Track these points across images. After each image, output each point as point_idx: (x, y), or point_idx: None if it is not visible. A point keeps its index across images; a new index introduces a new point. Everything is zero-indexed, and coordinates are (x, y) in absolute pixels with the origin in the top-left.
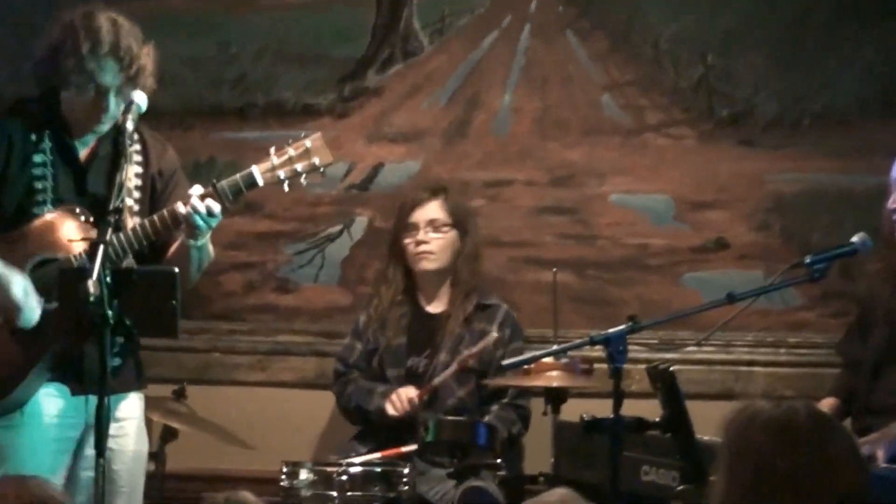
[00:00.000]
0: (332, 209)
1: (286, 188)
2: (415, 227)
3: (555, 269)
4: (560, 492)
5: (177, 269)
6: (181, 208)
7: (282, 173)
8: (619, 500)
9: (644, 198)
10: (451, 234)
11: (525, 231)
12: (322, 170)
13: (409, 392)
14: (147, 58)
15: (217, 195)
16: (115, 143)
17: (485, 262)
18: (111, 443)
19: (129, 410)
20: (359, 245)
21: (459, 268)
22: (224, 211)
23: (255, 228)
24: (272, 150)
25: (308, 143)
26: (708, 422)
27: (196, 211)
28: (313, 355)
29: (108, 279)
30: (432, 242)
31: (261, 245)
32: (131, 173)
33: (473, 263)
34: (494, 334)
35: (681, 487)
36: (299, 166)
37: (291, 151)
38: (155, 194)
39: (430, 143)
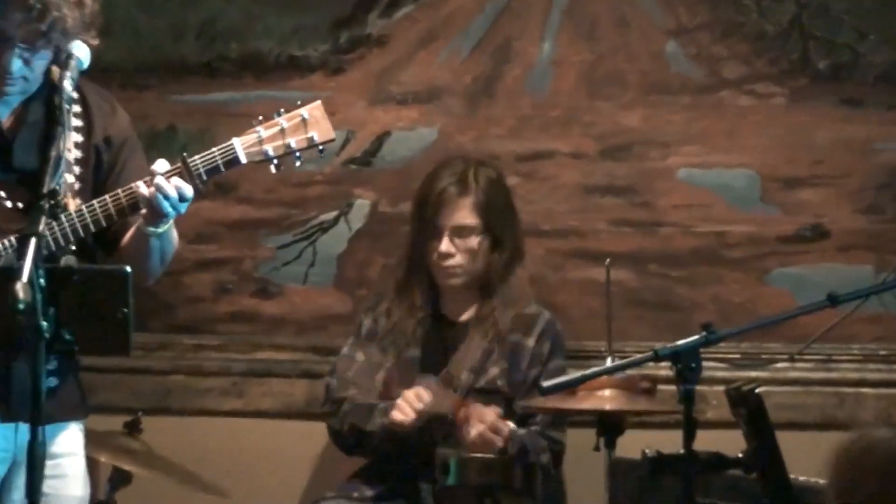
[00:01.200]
0: (326, 190)
1: (274, 168)
2: (438, 233)
3: (608, 264)
4: None
5: (129, 269)
6: (143, 189)
7: (270, 149)
8: None
9: (721, 173)
10: (482, 241)
11: (570, 216)
12: (321, 148)
13: (416, 390)
14: (75, 5)
15: (188, 173)
16: (48, 107)
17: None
18: (46, 486)
19: (70, 445)
20: (359, 236)
21: (492, 279)
22: (196, 193)
23: (227, 216)
24: (258, 120)
25: (305, 112)
26: (804, 457)
27: (163, 193)
28: (302, 377)
29: (43, 281)
30: (459, 255)
31: (235, 237)
32: (70, 143)
33: (508, 273)
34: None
35: None
36: (293, 141)
37: (283, 123)
38: (101, 168)
39: (448, 105)
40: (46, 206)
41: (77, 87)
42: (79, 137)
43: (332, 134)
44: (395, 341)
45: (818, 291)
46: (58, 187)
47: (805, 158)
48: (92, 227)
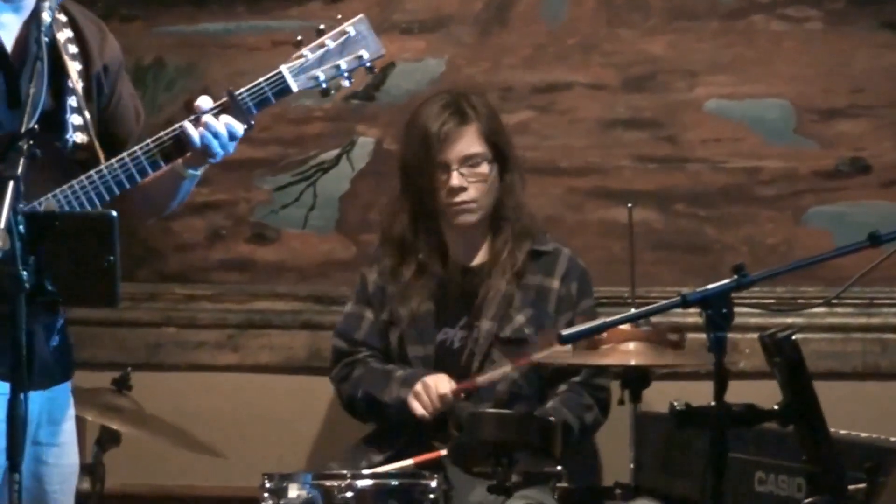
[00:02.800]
0: (326, 127)
1: (323, 94)
2: (445, 169)
3: (630, 205)
4: None
5: (115, 214)
6: (190, 129)
7: (321, 73)
8: None
9: (752, 104)
10: (492, 171)
11: (590, 153)
12: (371, 66)
13: (440, 384)
14: None
15: (237, 109)
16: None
17: (537, 196)
18: (48, 455)
19: (69, 408)
20: (363, 176)
21: (504, 209)
22: (247, 130)
23: None
24: (299, 42)
25: (350, 29)
26: (845, 409)
27: (213, 132)
28: (303, 328)
29: (22, 228)
30: (471, 188)
31: (229, 179)
32: (73, 72)
33: (519, 199)
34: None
35: (809, 500)
36: (343, 63)
37: (329, 43)
38: (101, 100)
39: (457, 34)
40: (25, 146)
41: (65, 10)
42: (78, 66)
43: (381, 50)
44: (405, 298)
45: (858, 230)
46: (35, 127)
47: (843, 87)
48: (138, 178)
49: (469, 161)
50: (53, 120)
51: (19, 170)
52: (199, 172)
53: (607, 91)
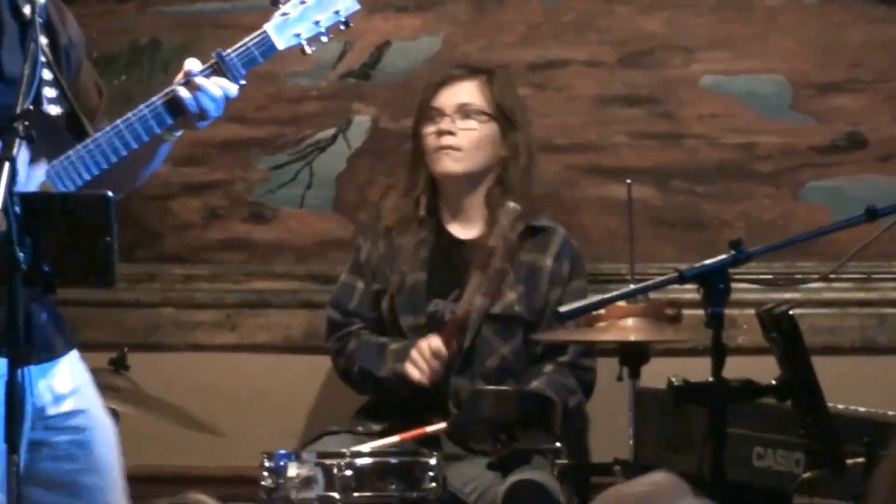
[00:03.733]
0: (322, 106)
1: (306, 51)
2: (439, 114)
3: (629, 181)
4: (658, 478)
5: (111, 194)
6: (182, 92)
7: (302, 30)
8: (724, 494)
9: (749, 80)
10: (488, 127)
11: (587, 129)
12: (347, 21)
13: (432, 343)
14: None
15: (226, 69)
16: (12, 7)
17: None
18: (77, 421)
19: (80, 375)
20: (359, 154)
21: (508, 180)
22: (239, 90)
23: (216, 136)
24: (276, 2)
25: None
26: (842, 384)
27: (209, 94)
28: (301, 307)
29: (18, 209)
30: (460, 135)
31: (226, 159)
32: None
33: (525, 173)
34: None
35: (807, 475)
36: (320, 18)
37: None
38: (70, 73)
39: (453, 11)
40: (20, 128)
41: None
42: (44, 39)
43: (356, 5)
44: (398, 265)
45: (856, 205)
46: (31, 107)
47: (840, 62)
48: (133, 144)
49: (464, 109)
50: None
51: (15, 151)
52: (179, 134)
53: (603, 68)
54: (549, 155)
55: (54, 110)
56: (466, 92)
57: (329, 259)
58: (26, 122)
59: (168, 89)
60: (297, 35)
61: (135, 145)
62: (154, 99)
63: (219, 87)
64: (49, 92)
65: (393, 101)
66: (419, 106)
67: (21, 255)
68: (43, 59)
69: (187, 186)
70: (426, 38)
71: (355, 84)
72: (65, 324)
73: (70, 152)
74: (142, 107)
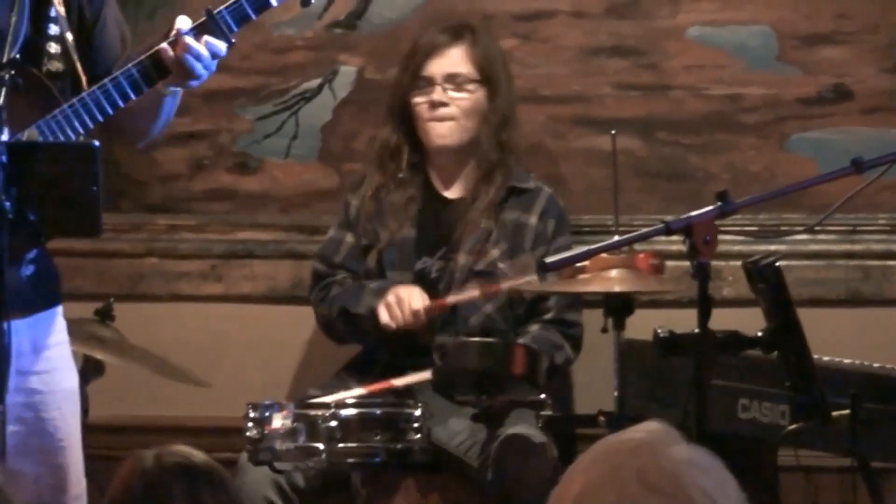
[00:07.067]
0: (308, 56)
1: (304, 4)
2: (429, 83)
3: (614, 132)
4: (652, 426)
5: (97, 143)
6: (169, 51)
7: None
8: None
9: (735, 31)
10: (478, 94)
11: (572, 80)
12: None
13: (412, 298)
14: None
15: (216, 27)
16: None
17: (520, 124)
18: (37, 383)
19: (57, 333)
20: (345, 105)
21: (488, 138)
22: (229, 48)
23: (201, 86)
24: None
25: None
26: (828, 335)
27: (194, 53)
28: (286, 258)
29: (4, 158)
30: (453, 105)
31: (210, 108)
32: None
33: (506, 133)
34: (532, 276)
35: (793, 427)
36: None
37: None
38: (84, 27)
39: None
40: (7, 76)
41: None
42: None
43: None
44: (387, 221)
45: (841, 157)
46: (17, 56)
47: (826, 12)
48: (120, 102)
49: (455, 79)
50: (33, 48)
51: (1, 100)
52: (180, 90)
53: (589, 18)
54: (534, 106)
55: (55, 66)
56: (455, 60)
57: (314, 209)
58: (13, 72)
59: (156, 48)
60: None
61: (122, 103)
62: (143, 57)
63: (206, 47)
64: (53, 47)
65: (379, 51)
66: (406, 71)
67: (7, 204)
68: (53, 13)
69: (172, 137)
70: None
71: (341, 34)
72: (48, 281)
73: (56, 111)
74: (130, 65)
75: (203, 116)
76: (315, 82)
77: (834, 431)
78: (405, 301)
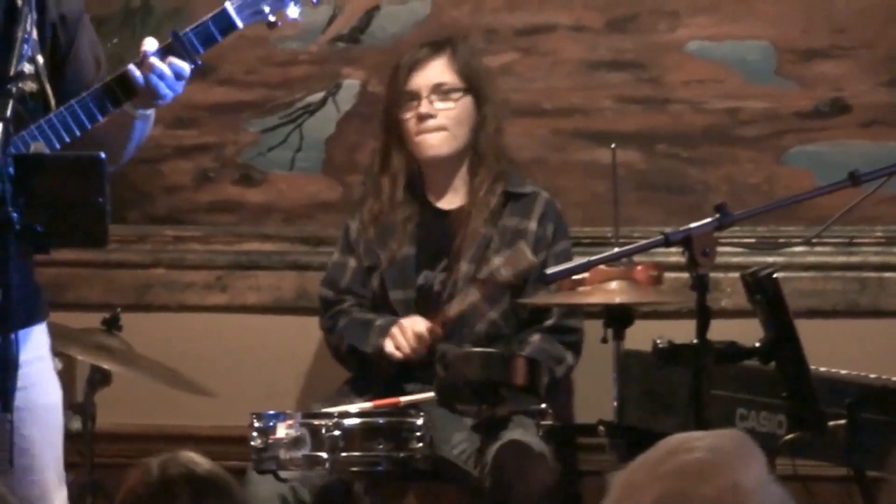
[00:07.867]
0: (312, 70)
1: (270, 26)
2: (414, 97)
3: (613, 146)
4: (723, 440)
5: (103, 155)
6: (135, 72)
7: (266, 6)
8: None
9: (733, 45)
10: (465, 102)
11: (572, 94)
12: None
13: (415, 324)
14: None
15: (182, 48)
16: None
17: (519, 136)
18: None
19: (34, 350)
20: (348, 118)
21: (480, 147)
22: (193, 69)
23: (207, 98)
24: None
25: None
26: (825, 346)
27: (158, 73)
28: (291, 269)
29: (11, 169)
30: (441, 115)
31: (216, 121)
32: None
33: (497, 139)
34: (530, 257)
35: (790, 436)
36: None
37: None
38: (57, 50)
39: None
40: (14, 89)
41: None
42: (33, 14)
43: None
44: (387, 243)
45: (839, 170)
46: (24, 70)
47: (824, 27)
48: (87, 123)
49: (440, 89)
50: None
51: (8, 112)
52: (150, 113)
53: (590, 33)
54: (535, 119)
55: (29, 86)
56: (437, 71)
57: (318, 221)
58: (20, 84)
59: (122, 69)
60: (262, 11)
61: (88, 124)
62: (108, 78)
63: (170, 67)
64: (26, 67)
65: (382, 65)
66: (392, 91)
67: (14, 215)
68: (23, 35)
69: (178, 149)
70: (415, 3)
71: (345, 48)
72: (27, 298)
73: (24, 132)
74: (96, 86)
75: (209, 129)
76: (319, 95)
77: (831, 441)
78: (407, 328)
